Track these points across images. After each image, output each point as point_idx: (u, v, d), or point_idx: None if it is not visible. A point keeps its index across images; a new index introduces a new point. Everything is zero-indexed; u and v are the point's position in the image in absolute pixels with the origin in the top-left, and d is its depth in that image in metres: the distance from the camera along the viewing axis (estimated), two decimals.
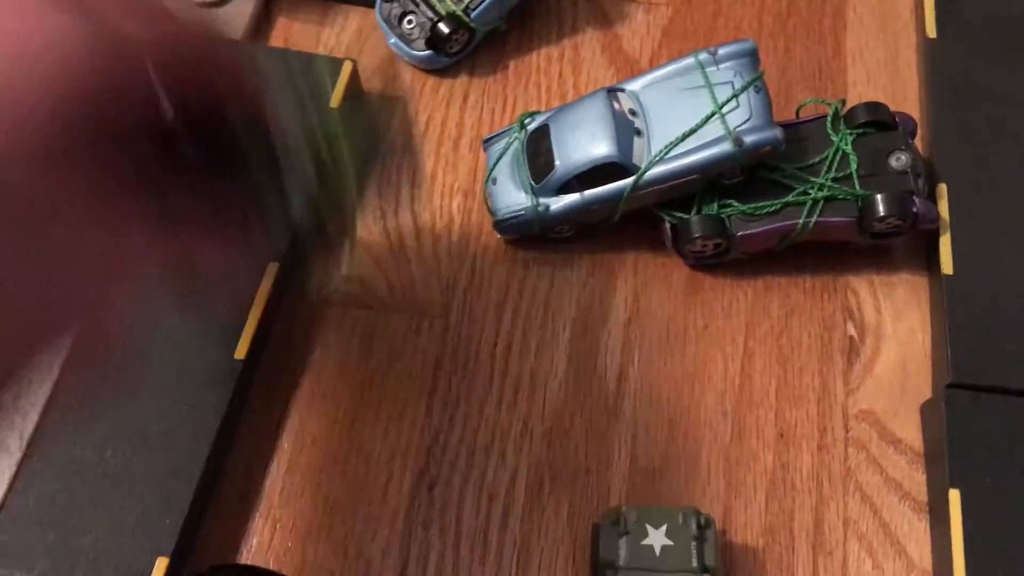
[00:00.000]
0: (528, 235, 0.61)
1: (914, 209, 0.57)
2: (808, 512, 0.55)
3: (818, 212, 0.57)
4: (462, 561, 0.54)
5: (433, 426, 0.57)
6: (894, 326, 0.60)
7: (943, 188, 0.59)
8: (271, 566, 0.53)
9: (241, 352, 0.56)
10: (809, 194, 0.57)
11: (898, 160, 0.58)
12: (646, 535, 0.50)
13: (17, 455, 0.53)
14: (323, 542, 0.54)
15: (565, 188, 0.58)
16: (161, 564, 0.50)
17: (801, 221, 0.57)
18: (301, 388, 0.58)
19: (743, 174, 0.57)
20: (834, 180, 0.57)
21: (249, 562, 0.54)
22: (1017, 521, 0.51)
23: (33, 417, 0.54)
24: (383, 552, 0.54)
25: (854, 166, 0.57)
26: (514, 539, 0.54)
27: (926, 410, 0.56)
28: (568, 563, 0.54)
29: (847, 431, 0.57)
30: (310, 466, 0.56)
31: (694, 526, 0.50)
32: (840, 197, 0.57)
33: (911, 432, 0.57)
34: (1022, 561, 0.50)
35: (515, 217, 0.59)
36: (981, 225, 0.59)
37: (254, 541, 0.54)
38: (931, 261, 0.60)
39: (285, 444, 0.57)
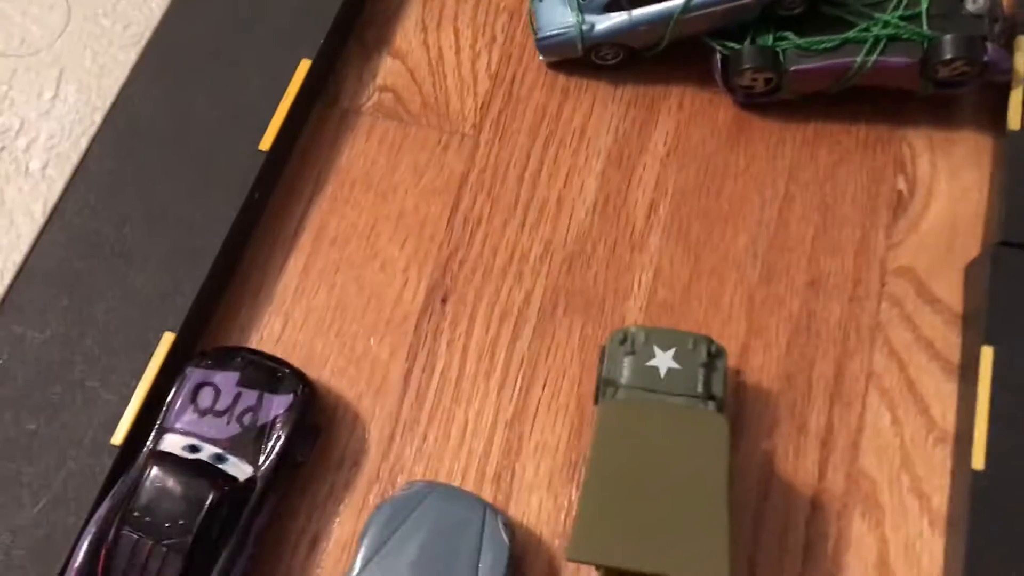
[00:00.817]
0: (571, 58, 0.58)
1: (986, 56, 0.52)
2: (830, 362, 0.52)
3: (879, 51, 0.53)
4: (467, 372, 0.53)
5: (453, 241, 0.56)
6: (948, 184, 0.56)
7: (1022, 40, 0.55)
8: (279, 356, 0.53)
9: (266, 144, 0.55)
10: (871, 31, 0.53)
11: (975, 3, 0.54)
12: (652, 356, 0.48)
13: (40, 221, 0.54)
14: (332, 339, 0.54)
15: (613, 6, 0.55)
16: (168, 339, 0.51)
17: (859, 59, 0.53)
18: (325, 191, 0.57)
19: (803, 4, 0.54)
20: (901, 18, 0.54)
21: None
22: None
23: (58, 186, 0.55)
24: (390, 354, 0.53)
25: (925, 4, 0.53)
26: (521, 358, 0.53)
27: (971, 271, 0.53)
28: (574, 387, 0.52)
29: (883, 285, 0.54)
30: (326, 266, 0.56)
31: (704, 352, 0.48)
32: (905, 37, 0.53)
33: (952, 293, 0.53)
34: None
35: (559, 35, 0.57)
36: None
37: (264, 332, 0.54)
38: (998, 118, 0.56)
39: (304, 243, 0.56)
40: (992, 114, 0.57)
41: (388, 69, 0.60)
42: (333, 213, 0.57)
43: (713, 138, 0.58)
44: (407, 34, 0.61)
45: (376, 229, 0.56)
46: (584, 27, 0.56)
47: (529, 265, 0.55)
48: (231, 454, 0.49)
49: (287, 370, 0.51)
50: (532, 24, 0.58)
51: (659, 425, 0.45)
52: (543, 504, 0.50)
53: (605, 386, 0.49)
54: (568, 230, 0.56)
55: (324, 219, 0.57)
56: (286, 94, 0.56)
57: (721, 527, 0.42)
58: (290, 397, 0.50)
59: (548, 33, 0.57)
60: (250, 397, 0.50)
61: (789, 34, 0.54)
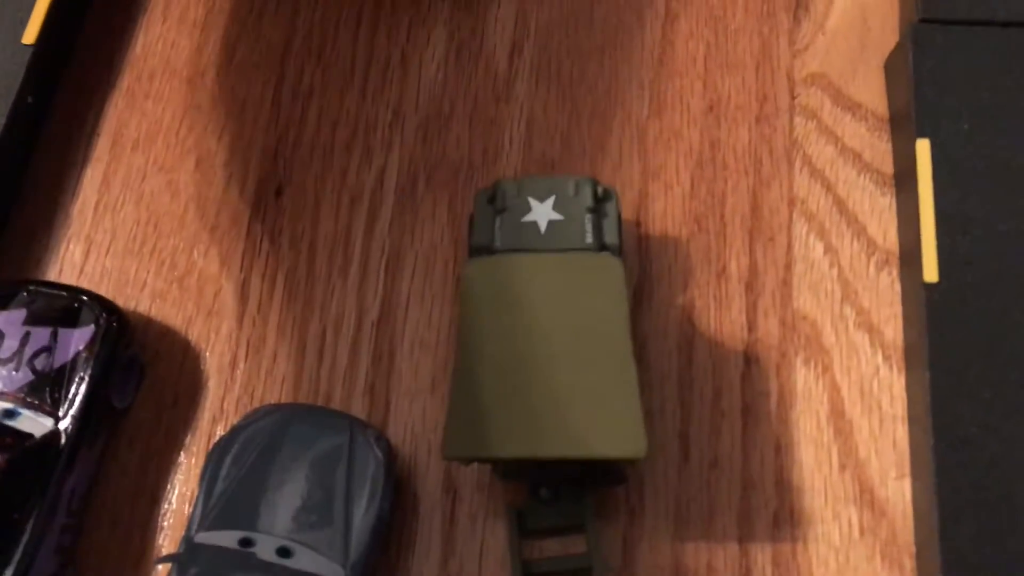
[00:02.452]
0: None
1: None
2: (744, 194, 0.44)
3: None
4: (318, 272, 0.44)
5: (281, 123, 0.46)
6: None
7: None
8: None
9: (30, 36, 0.45)
10: None
11: None
12: (528, 209, 0.39)
13: None
14: (147, 259, 0.44)
15: None
16: None
17: None
18: (119, 86, 0.47)
19: None
20: None
21: None
22: (997, 177, 0.41)
23: None
24: (220, 266, 0.44)
25: None
26: (382, 245, 0.44)
27: (891, 62, 0.45)
28: (448, 269, 0.43)
29: (793, 98, 0.46)
30: (130, 175, 0.45)
31: (589, 196, 0.39)
32: None
33: (873, 94, 0.45)
34: (998, 223, 0.40)
35: None
36: None
37: (64, 262, 0.44)
38: None
39: (101, 150, 0.46)
40: None
41: None
42: (132, 111, 0.47)
43: None
44: None
45: (186, 122, 0.46)
46: None
47: (377, 137, 0.46)
48: (24, 407, 0.39)
49: (85, 298, 0.41)
50: None
51: (537, 280, 0.36)
52: (427, 410, 0.41)
53: (477, 254, 0.40)
54: (419, 90, 0.47)
55: (122, 119, 0.47)
56: None
57: (630, 390, 0.34)
58: (91, 328, 0.40)
59: None
60: (42, 336, 0.40)
61: None
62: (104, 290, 0.43)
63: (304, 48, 0.47)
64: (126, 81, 0.47)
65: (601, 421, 0.33)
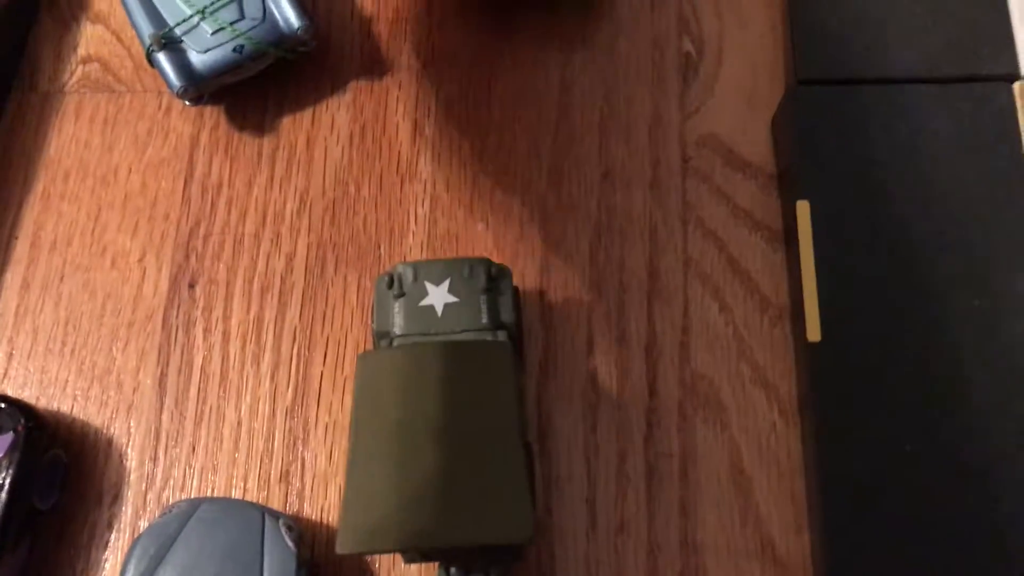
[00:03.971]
0: None
1: None
2: (641, 258, 0.45)
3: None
4: (232, 362, 0.45)
5: (192, 216, 0.48)
6: (739, 34, 0.49)
7: None
8: (9, 394, 0.45)
9: None
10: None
11: None
12: (425, 294, 0.41)
13: None
14: (68, 358, 0.45)
15: None
16: None
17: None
18: (35, 188, 0.48)
19: None
20: None
21: None
22: (876, 233, 0.42)
23: None
24: (139, 361, 0.45)
25: None
26: (293, 332, 0.45)
27: (776, 122, 0.47)
28: (359, 349, 0.45)
29: (686, 161, 0.47)
30: (49, 275, 0.47)
31: (483, 277, 0.41)
32: None
33: (762, 153, 0.47)
34: (878, 280, 0.41)
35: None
36: None
37: None
38: None
39: (19, 253, 0.47)
40: None
41: (90, 37, 0.51)
42: (48, 212, 0.48)
43: (471, 40, 0.50)
44: None
45: (101, 220, 0.48)
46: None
47: (286, 224, 0.47)
48: None
49: (3, 404, 0.42)
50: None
51: (426, 368, 0.37)
52: (342, 493, 0.42)
53: (379, 340, 0.41)
54: (324, 175, 0.48)
55: (39, 221, 0.48)
56: None
57: (517, 474, 0.35)
58: (10, 436, 0.41)
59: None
60: None
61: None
62: (27, 392, 0.45)
63: (212, 140, 0.49)
64: (42, 183, 0.49)
65: (489, 507, 0.34)
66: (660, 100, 0.48)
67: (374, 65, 0.50)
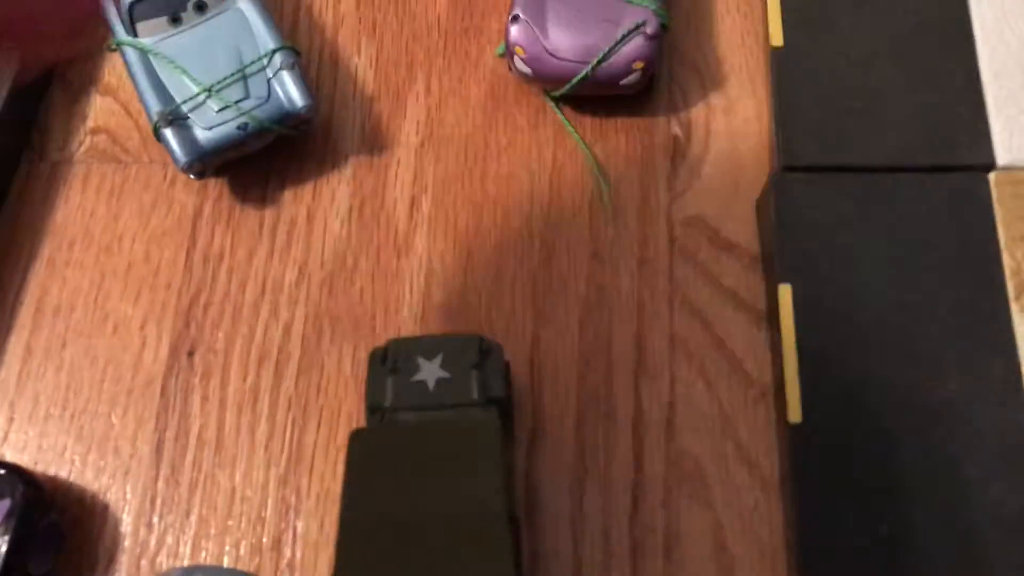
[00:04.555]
0: None
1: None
2: (628, 336, 0.47)
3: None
4: (227, 430, 0.46)
5: (193, 285, 0.49)
6: (726, 119, 0.51)
7: None
8: (8, 459, 0.46)
9: None
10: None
11: None
12: (418, 369, 0.42)
13: None
14: (68, 424, 0.46)
15: None
16: None
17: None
18: (41, 255, 0.50)
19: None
20: None
21: None
22: (855, 319, 0.43)
23: None
24: (136, 427, 0.46)
25: None
26: (288, 401, 0.46)
27: (760, 205, 0.48)
28: (352, 421, 0.46)
29: (673, 241, 0.49)
30: (52, 341, 0.48)
31: (475, 353, 0.42)
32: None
33: (747, 235, 0.48)
34: (857, 363, 0.43)
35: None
36: None
37: None
38: (765, 36, 0.52)
39: (23, 319, 0.48)
40: (755, 36, 0.53)
41: (99, 108, 0.53)
42: (53, 279, 0.49)
43: (468, 119, 0.52)
44: (116, 66, 0.54)
45: (104, 288, 0.49)
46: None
47: (284, 295, 0.49)
48: None
49: (2, 471, 0.43)
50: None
51: (417, 447, 0.38)
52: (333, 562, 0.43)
53: (371, 414, 0.42)
54: (323, 247, 0.50)
55: (44, 287, 0.49)
56: None
57: (503, 558, 0.36)
58: (7, 503, 0.42)
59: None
60: None
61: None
62: (26, 457, 0.46)
63: (215, 212, 0.50)
64: (47, 250, 0.50)
65: None
66: (649, 182, 0.50)
67: (374, 142, 0.51)
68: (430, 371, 0.42)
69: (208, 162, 0.48)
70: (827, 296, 0.44)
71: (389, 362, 0.42)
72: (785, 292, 0.44)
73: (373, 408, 0.42)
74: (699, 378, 0.46)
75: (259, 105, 0.48)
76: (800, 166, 0.46)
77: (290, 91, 0.48)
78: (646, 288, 0.48)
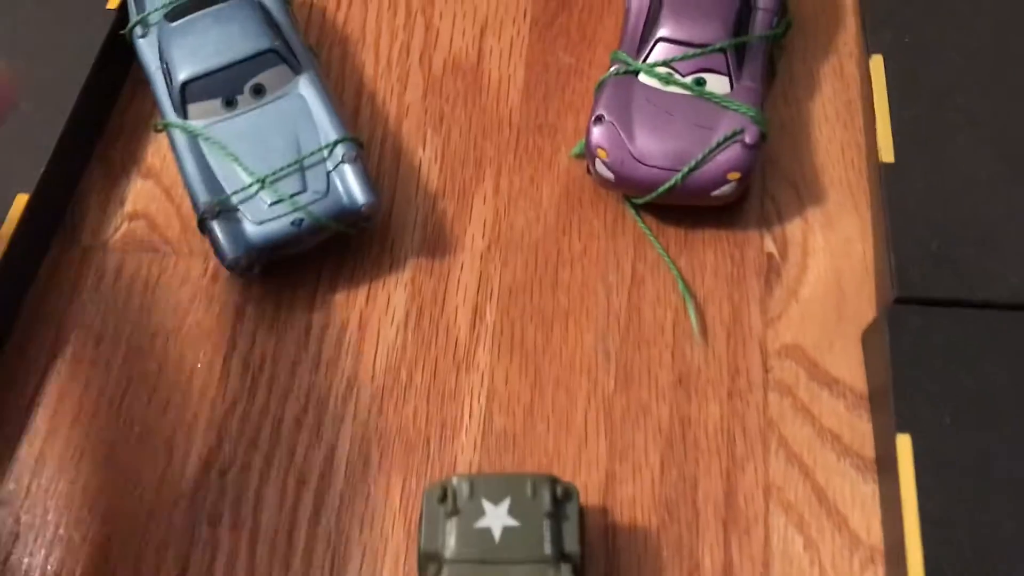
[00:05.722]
0: None
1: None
2: (717, 478, 0.41)
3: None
4: (258, 566, 0.40)
5: (229, 395, 0.44)
6: (824, 237, 0.46)
7: (878, 59, 0.47)
8: None
9: None
10: None
11: None
12: (482, 513, 0.37)
13: None
14: (77, 546, 0.41)
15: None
16: None
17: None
18: (63, 353, 0.45)
19: None
20: None
21: None
22: (982, 475, 0.38)
23: None
24: (155, 557, 0.41)
25: None
26: (328, 535, 0.41)
27: (869, 337, 0.43)
28: (398, 563, 0.40)
29: (767, 372, 0.43)
30: (67, 451, 0.43)
31: (548, 498, 0.37)
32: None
33: (851, 369, 0.43)
34: (989, 526, 0.37)
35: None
36: (926, 101, 0.46)
37: None
38: (865, 151, 0.47)
39: (38, 424, 0.43)
40: (856, 148, 0.48)
41: (139, 192, 0.49)
42: (75, 380, 0.45)
43: (539, 222, 0.47)
44: (161, 147, 0.50)
45: (131, 392, 0.44)
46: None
47: (329, 412, 0.44)
48: None
49: None
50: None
51: None
52: None
53: (426, 562, 0.37)
54: (375, 358, 0.45)
55: (64, 389, 0.44)
56: None
57: None
58: None
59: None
60: None
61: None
62: None
63: (258, 313, 0.46)
64: (71, 346, 0.45)
65: None
66: (739, 303, 0.45)
67: (436, 243, 0.47)
68: (496, 517, 0.37)
69: (256, 259, 0.43)
70: (951, 448, 0.38)
71: (449, 503, 0.37)
72: (904, 443, 0.38)
73: (428, 556, 0.36)
74: (798, 534, 0.40)
75: (316, 200, 0.44)
76: (914, 298, 0.42)
77: (351, 186, 0.44)
78: (737, 424, 0.42)
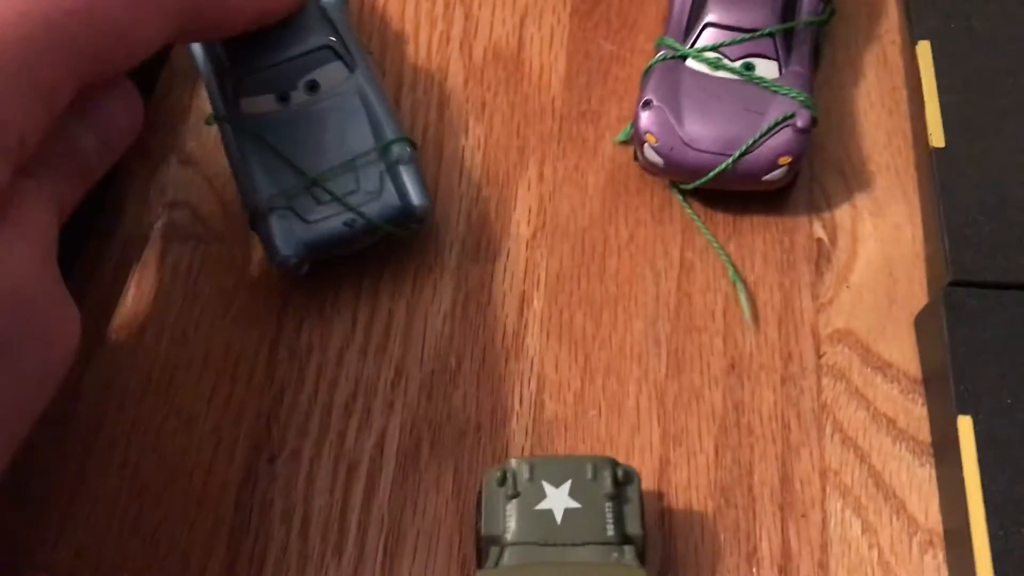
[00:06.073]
0: None
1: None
2: (772, 463, 0.41)
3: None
4: (311, 552, 0.40)
5: (277, 382, 0.43)
6: (874, 222, 0.46)
7: (925, 45, 0.47)
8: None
9: None
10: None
11: None
12: (543, 496, 0.36)
13: None
14: (128, 535, 0.40)
15: None
16: None
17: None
18: (107, 342, 0.45)
19: None
20: None
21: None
22: None
23: None
24: (206, 544, 0.40)
25: None
26: (381, 520, 0.40)
27: (922, 321, 0.43)
28: (452, 547, 0.40)
29: (820, 357, 0.43)
30: (115, 438, 0.43)
31: (609, 480, 0.36)
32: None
33: (905, 353, 0.43)
34: None
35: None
36: (974, 87, 0.46)
37: (40, 541, 0.40)
38: (912, 137, 0.47)
39: (83, 411, 0.43)
40: (902, 135, 0.48)
41: (180, 180, 0.49)
42: (119, 368, 0.44)
43: (585, 209, 0.47)
44: (201, 135, 0.50)
45: (176, 380, 0.44)
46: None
47: (379, 398, 0.43)
48: None
49: None
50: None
51: None
52: None
53: (487, 545, 0.36)
54: (423, 346, 0.44)
55: (108, 377, 0.44)
56: None
57: None
58: None
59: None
60: None
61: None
62: (86, 571, 0.40)
63: (304, 300, 0.45)
64: (114, 335, 0.45)
65: None
66: (790, 289, 0.45)
67: (481, 231, 0.47)
68: (557, 499, 0.36)
69: (307, 259, 0.43)
70: (1013, 429, 0.38)
71: (510, 486, 0.36)
72: (966, 425, 0.38)
73: (489, 539, 0.36)
74: (856, 518, 0.40)
75: (369, 201, 0.43)
76: (969, 281, 0.41)
77: (406, 188, 0.43)
78: (791, 408, 0.42)
